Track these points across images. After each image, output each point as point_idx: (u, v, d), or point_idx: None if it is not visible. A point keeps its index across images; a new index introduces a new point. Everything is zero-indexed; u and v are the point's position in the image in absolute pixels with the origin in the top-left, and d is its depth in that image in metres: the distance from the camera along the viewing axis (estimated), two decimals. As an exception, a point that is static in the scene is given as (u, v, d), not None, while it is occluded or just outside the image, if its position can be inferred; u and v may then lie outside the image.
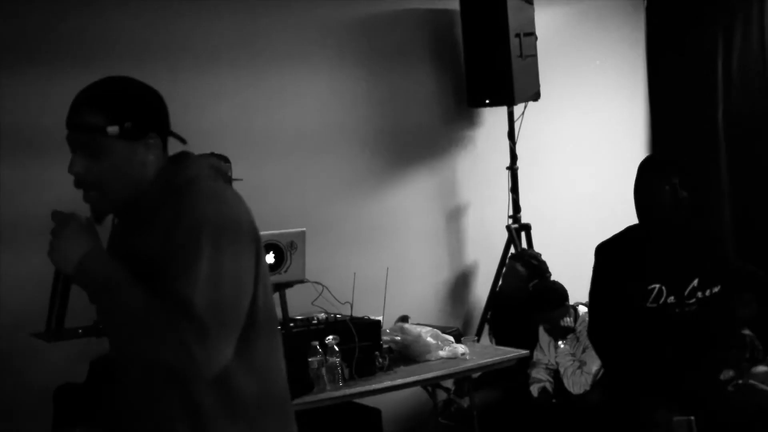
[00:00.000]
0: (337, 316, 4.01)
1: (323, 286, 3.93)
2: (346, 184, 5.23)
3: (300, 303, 4.03)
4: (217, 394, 1.83)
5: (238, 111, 4.92)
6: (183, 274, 1.73)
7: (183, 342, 1.69)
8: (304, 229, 3.88)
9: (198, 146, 4.19)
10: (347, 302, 3.97)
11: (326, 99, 5.21)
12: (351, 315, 3.98)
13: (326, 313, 4.02)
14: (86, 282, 1.80)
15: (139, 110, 1.88)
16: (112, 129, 1.83)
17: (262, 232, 3.73)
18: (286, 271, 3.80)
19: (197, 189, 1.83)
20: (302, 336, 3.79)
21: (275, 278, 3.80)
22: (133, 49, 4.46)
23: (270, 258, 3.77)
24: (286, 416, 1.99)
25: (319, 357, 3.73)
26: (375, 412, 4.22)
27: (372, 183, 5.35)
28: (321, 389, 3.71)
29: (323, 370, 3.73)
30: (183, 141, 1.99)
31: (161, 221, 1.81)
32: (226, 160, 4.23)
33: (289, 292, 3.93)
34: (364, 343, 3.89)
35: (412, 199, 5.49)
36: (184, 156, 1.98)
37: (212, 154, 4.20)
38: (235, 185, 4.19)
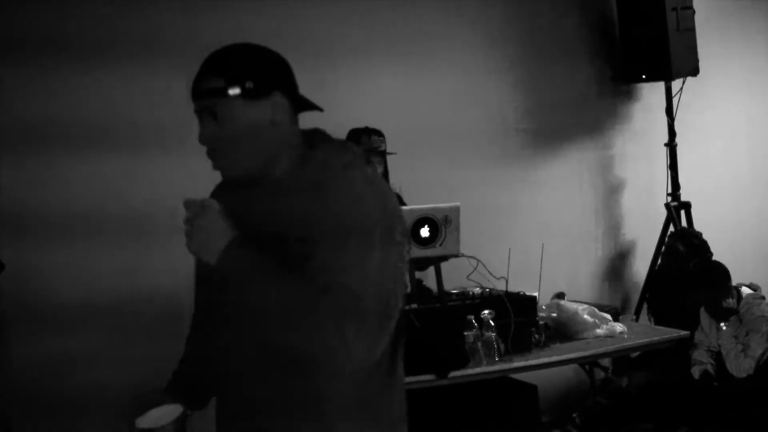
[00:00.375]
0: (492, 290, 3.99)
1: (478, 260, 3.90)
2: (502, 159, 5.24)
3: (455, 277, 4.02)
4: (345, 392, 1.74)
5: (394, 87, 4.97)
6: (353, 266, 1.63)
7: (344, 335, 1.60)
8: (458, 203, 3.88)
9: (353, 121, 4.34)
10: (502, 277, 3.94)
11: (480, 77, 5.22)
12: (506, 290, 3.95)
13: (481, 287, 4.00)
14: (232, 271, 1.70)
15: (260, 69, 1.79)
16: (233, 90, 1.75)
17: (416, 207, 3.83)
18: (440, 245, 3.80)
19: (361, 177, 1.75)
20: (458, 310, 3.79)
21: (430, 252, 3.82)
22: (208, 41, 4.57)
23: (425, 232, 3.78)
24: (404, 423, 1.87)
25: (474, 331, 3.72)
26: (531, 388, 4.18)
27: (527, 158, 5.34)
28: (476, 363, 3.70)
29: (479, 345, 3.72)
30: (318, 108, 1.89)
31: (317, 204, 1.70)
32: (379, 134, 4.29)
33: (444, 266, 3.93)
34: (519, 318, 3.86)
35: (568, 174, 5.46)
36: (325, 135, 1.89)
37: (366, 129, 4.28)
38: (390, 158, 4.29)
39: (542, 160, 5.40)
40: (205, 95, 1.77)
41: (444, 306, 3.83)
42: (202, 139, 1.78)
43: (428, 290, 4.05)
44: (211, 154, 1.79)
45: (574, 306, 4.24)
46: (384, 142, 4.28)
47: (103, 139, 4.29)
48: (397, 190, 4.36)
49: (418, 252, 3.79)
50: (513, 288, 3.98)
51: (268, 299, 1.66)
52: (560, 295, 4.56)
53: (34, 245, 4.18)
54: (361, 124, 4.30)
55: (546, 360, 3.88)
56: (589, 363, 4.55)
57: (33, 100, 4.26)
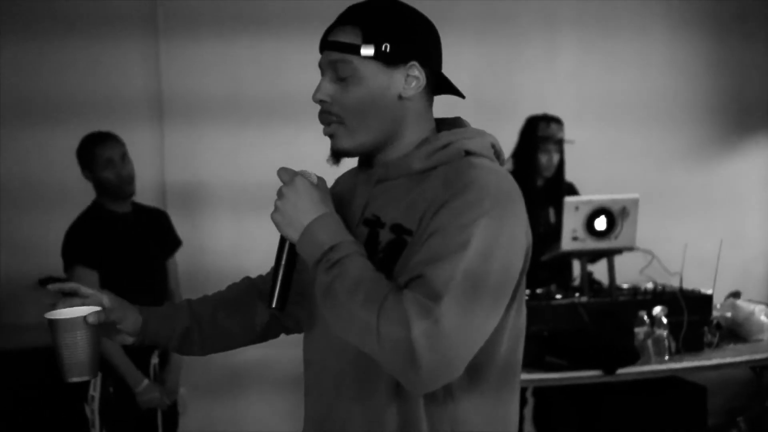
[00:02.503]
0: (666, 287, 3.89)
1: (653, 254, 3.81)
2: (681, 152, 5.08)
3: (627, 271, 3.93)
4: (437, 404, 1.54)
5: (572, 75, 4.89)
6: (445, 260, 1.42)
7: (409, 342, 1.37)
8: (638, 195, 3.78)
9: (529, 108, 4.29)
10: (677, 273, 3.83)
11: (663, 65, 5.07)
12: (680, 287, 3.84)
13: (654, 283, 3.90)
14: (311, 251, 1.51)
15: (402, 32, 1.57)
16: (367, 49, 1.55)
17: (592, 197, 3.76)
18: (616, 238, 3.72)
19: (478, 167, 1.52)
20: (629, 305, 3.71)
21: (606, 244, 3.74)
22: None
23: (602, 223, 3.71)
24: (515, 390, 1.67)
25: (645, 328, 3.64)
26: (700, 389, 4.05)
27: (709, 152, 5.16)
28: (645, 361, 3.61)
29: (649, 342, 3.62)
30: (460, 95, 1.68)
31: (428, 193, 1.52)
32: (558, 121, 4.21)
33: (617, 259, 3.85)
34: (692, 317, 3.74)
35: (750, 170, 5.22)
36: (458, 121, 1.69)
37: (545, 116, 4.21)
38: (568, 148, 4.22)
39: (727, 152, 5.20)
40: (335, 48, 1.57)
41: (615, 300, 3.75)
42: (317, 96, 1.60)
43: (599, 284, 3.97)
44: (323, 117, 1.61)
45: (750, 306, 4.07)
46: (562, 130, 4.20)
47: (70, 111, 4.30)
48: (570, 181, 4.30)
49: (591, 244, 3.72)
50: (687, 285, 3.86)
51: (340, 289, 1.45)
52: (736, 294, 4.37)
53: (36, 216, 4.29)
54: (539, 110, 4.25)
55: (718, 361, 3.73)
56: (760, 366, 4.37)
57: (30, 72, 4.34)
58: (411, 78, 1.58)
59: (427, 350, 1.36)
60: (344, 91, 1.57)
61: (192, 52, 4.51)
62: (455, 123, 1.67)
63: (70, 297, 1.72)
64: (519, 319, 1.61)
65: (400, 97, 1.58)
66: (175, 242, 3.81)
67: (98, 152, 3.53)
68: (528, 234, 1.56)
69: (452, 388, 1.52)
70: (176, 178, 4.53)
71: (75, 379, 1.68)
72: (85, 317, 1.66)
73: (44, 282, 4.22)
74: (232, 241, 4.45)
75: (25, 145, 4.32)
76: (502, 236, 1.46)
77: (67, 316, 1.67)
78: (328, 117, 1.60)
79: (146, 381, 3.49)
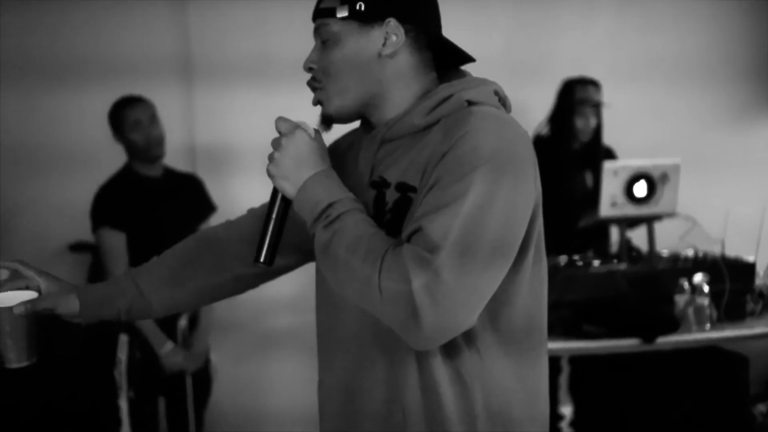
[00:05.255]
0: (707, 254, 3.78)
1: (694, 220, 3.71)
2: (725, 115, 4.95)
3: (668, 237, 3.84)
4: (459, 367, 1.51)
5: (608, 35, 4.77)
6: (443, 211, 1.38)
7: (410, 295, 1.34)
8: (679, 160, 3.67)
9: (565, 71, 4.18)
10: (718, 240, 3.73)
11: (707, 24, 4.92)
12: (722, 254, 3.74)
13: (695, 249, 3.80)
14: (310, 207, 1.48)
15: None
16: (342, 10, 1.54)
17: (631, 161, 3.66)
18: (656, 204, 3.63)
19: (478, 115, 1.47)
20: (669, 273, 3.61)
21: (645, 209, 3.65)
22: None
23: (642, 189, 3.61)
24: (540, 392, 1.61)
25: (686, 296, 3.54)
26: (742, 359, 3.96)
27: (753, 115, 5.00)
28: (686, 329, 3.52)
29: (690, 310, 3.53)
30: (470, 59, 1.63)
31: (429, 147, 1.49)
32: (595, 84, 4.11)
33: (657, 225, 3.76)
34: (735, 285, 3.64)
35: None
36: (459, 72, 1.64)
37: (582, 79, 4.10)
38: (606, 111, 4.11)
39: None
40: (318, 14, 1.58)
41: (654, 268, 3.65)
42: (305, 64, 1.60)
43: (637, 251, 3.88)
44: (310, 83, 1.60)
45: (794, 274, 3.97)
46: (600, 92, 4.09)
47: (98, 74, 4.25)
48: (608, 145, 4.20)
49: (630, 210, 3.63)
50: (730, 252, 3.76)
51: (338, 246, 1.43)
52: (779, 262, 4.27)
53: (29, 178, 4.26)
54: (575, 73, 4.15)
55: (761, 330, 3.63)
56: (804, 335, 4.28)
57: (57, 34, 4.28)
58: (390, 35, 1.55)
59: (428, 302, 1.34)
60: (326, 54, 1.57)
61: (221, 11, 4.44)
62: (456, 74, 1.63)
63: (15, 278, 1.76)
64: (539, 269, 1.57)
65: (379, 56, 1.55)
66: (208, 208, 3.79)
67: (127, 114, 3.54)
68: (537, 181, 1.51)
69: (475, 341, 1.50)
70: (206, 140, 4.48)
71: (13, 366, 1.71)
72: (11, 308, 1.69)
73: (74, 247, 4.19)
74: (262, 200, 4.39)
75: (50, 108, 4.28)
76: (503, 185, 1.41)
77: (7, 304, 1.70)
78: (313, 82, 1.60)
79: (170, 344, 3.47)
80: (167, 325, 3.49)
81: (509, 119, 1.51)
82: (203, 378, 3.74)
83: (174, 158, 3.84)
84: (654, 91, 4.77)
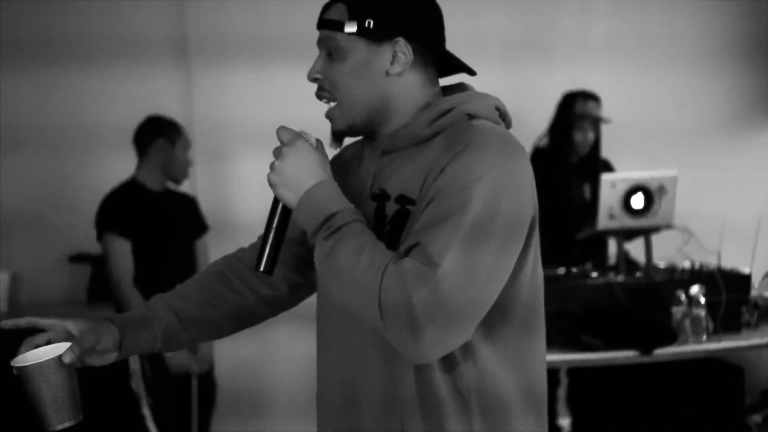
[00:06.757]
0: (703, 265, 3.81)
1: (691, 232, 3.73)
2: (720, 124, 4.96)
3: (664, 249, 3.86)
4: (457, 379, 1.50)
5: (606, 48, 4.81)
6: (443, 225, 1.39)
7: (409, 310, 1.34)
8: (676, 172, 3.70)
9: (566, 85, 4.21)
10: (715, 251, 3.75)
11: (703, 31, 5.01)
12: (719, 265, 3.76)
13: (692, 261, 3.83)
14: (311, 217, 1.47)
15: (387, 8, 1.54)
16: (350, 25, 1.53)
17: (629, 174, 3.68)
18: (654, 216, 3.66)
19: (478, 129, 1.49)
20: (666, 284, 3.63)
21: (642, 222, 3.68)
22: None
23: (639, 201, 3.64)
24: (539, 418, 1.60)
25: (683, 307, 3.56)
26: (737, 370, 3.99)
27: (751, 122, 5.02)
28: (683, 341, 3.54)
29: (687, 322, 3.55)
30: (470, 71, 1.62)
31: (429, 159, 1.50)
32: (596, 99, 4.15)
33: (654, 237, 3.79)
34: (731, 296, 3.67)
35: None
36: (461, 86, 1.65)
37: (582, 93, 4.14)
38: (606, 128, 4.14)
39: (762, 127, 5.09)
40: (324, 26, 1.57)
41: (651, 279, 3.68)
42: (310, 74, 1.58)
43: (635, 262, 3.91)
44: (318, 93, 1.60)
45: (789, 286, 4.00)
46: (599, 107, 4.13)
47: (99, 54, 4.30)
48: (605, 157, 4.23)
49: (628, 222, 3.66)
50: (726, 263, 3.78)
51: (339, 257, 1.42)
52: (773, 274, 4.30)
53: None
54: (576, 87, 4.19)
55: (758, 341, 3.67)
56: (799, 346, 4.30)
57: (27, 14, 4.30)
58: (398, 54, 1.55)
59: (427, 316, 1.35)
60: (333, 67, 1.57)
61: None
62: (458, 88, 1.64)
63: (33, 334, 1.59)
64: (536, 280, 1.57)
65: (387, 74, 1.56)
66: (202, 227, 3.89)
67: (176, 139, 3.76)
68: (534, 196, 1.51)
69: (472, 353, 1.50)
70: (204, 119, 4.48)
71: (60, 427, 1.52)
72: (60, 357, 1.50)
73: (74, 259, 4.21)
74: (260, 182, 4.39)
75: (50, 90, 4.28)
76: (501, 199, 1.42)
77: (39, 360, 1.50)
78: (321, 93, 1.59)
79: None
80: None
81: (507, 134, 1.52)
82: (208, 385, 3.81)
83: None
84: (651, 104, 4.81)
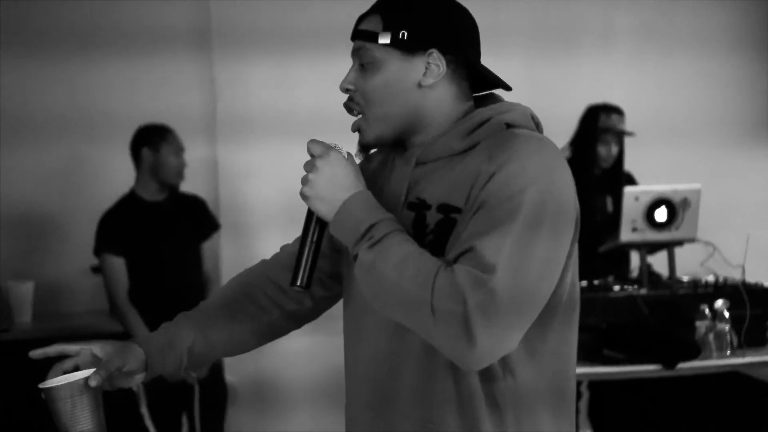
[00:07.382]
0: (727, 279, 3.78)
1: (714, 246, 3.71)
2: (744, 135, 4.93)
3: (688, 263, 3.83)
4: (496, 379, 1.50)
5: (627, 62, 4.80)
6: (495, 231, 1.39)
7: (465, 315, 1.34)
8: (700, 185, 3.68)
9: (589, 97, 4.20)
10: (739, 265, 3.73)
11: (723, 46, 4.95)
12: (743, 279, 3.73)
13: (715, 275, 3.80)
14: (350, 229, 1.47)
15: (421, 20, 1.55)
16: (384, 36, 1.54)
17: (652, 187, 3.67)
18: (677, 229, 3.63)
19: (521, 137, 1.50)
20: (689, 298, 3.61)
21: (665, 236, 3.66)
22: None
23: (662, 214, 3.62)
24: (568, 414, 1.62)
25: (707, 322, 3.54)
26: (762, 386, 3.95)
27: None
28: (707, 355, 3.52)
29: (710, 336, 3.53)
30: (505, 86, 1.63)
31: (472, 168, 1.49)
32: (619, 112, 4.13)
33: (677, 250, 3.76)
34: (755, 310, 3.63)
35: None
36: (492, 96, 1.66)
37: (605, 106, 4.12)
38: (628, 140, 4.12)
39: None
40: (358, 36, 1.58)
41: (675, 293, 3.66)
42: (342, 84, 1.59)
43: (657, 276, 3.88)
44: (347, 104, 1.60)
45: (814, 300, 3.96)
46: (623, 121, 4.12)
47: (123, 46, 4.33)
48: (628, 170, 4.21)
49: (651, 235, 3.64)
50: (750, 277, 3.76)
51: (383, 269, 1.42)
52: (798, 288, 4.26)
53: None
54: (600, 101, 4.17)
55: (781, 357, 3.64)
56: (825, 361, 4.26)
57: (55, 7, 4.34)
58: (432, 66, 1.55)
59: (483, 322, 1.35)
60: (365, 78, 1.57)
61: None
62: (489, 99, 1.65)
63: (60, 360, 1.61)
64: (573, 291, 1.57)
65: (419, 86, 1.56)
66: (210, 226, 3.95)
67: (162, 147, 3.78)
68: (576, 201, 1.52)
69: (510, 364, 1.50)
70: (227, 110, 4.50)
71: None
72: (86, 379, 1.52)
73: (97, 269, 4.24)
74: (282, 171, 4.40)
75: (71, 79, 4.31)
76: (550, 203, 1.43)
77: (66, 381, 1.52)
78: (351, 104, 1.60)
79: None
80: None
81: (549, 141, 1.53)
82: (218, 389, 3.84)
83: (194, 129, 3.94)
84: (674, 116, 4.78)
